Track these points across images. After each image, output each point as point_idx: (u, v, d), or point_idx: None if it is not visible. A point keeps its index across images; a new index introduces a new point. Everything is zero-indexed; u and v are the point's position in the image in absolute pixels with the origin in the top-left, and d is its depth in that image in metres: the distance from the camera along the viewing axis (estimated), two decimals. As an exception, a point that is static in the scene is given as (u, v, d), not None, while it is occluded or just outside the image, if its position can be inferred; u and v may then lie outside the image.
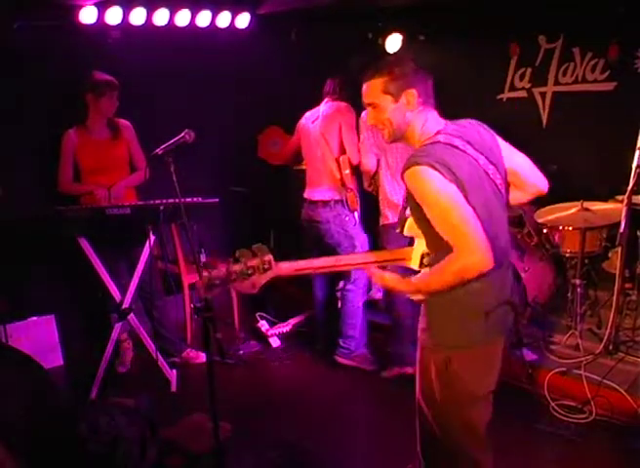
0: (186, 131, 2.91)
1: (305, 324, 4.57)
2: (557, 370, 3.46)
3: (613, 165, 3.67)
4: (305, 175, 4.03)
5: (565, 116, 4.56)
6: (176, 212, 3.21)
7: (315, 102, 3.96)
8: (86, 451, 2.99)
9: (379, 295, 4.58)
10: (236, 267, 1.81)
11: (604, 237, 3.72)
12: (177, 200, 2.94)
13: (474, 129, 1.96)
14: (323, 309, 4.20)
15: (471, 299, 1.88)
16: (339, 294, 4.12)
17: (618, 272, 3.44)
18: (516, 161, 2.05)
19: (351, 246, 3.85)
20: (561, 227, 3.76)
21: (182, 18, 4.15)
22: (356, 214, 3.83)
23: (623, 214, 3.21)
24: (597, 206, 3.71)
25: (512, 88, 4.85)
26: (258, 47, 4.64)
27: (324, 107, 3.87)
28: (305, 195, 3.99)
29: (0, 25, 3.54)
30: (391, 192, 3.54)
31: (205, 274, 1.79)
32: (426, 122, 1.93)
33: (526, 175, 2.08)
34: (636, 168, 3.20)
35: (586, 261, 3.82)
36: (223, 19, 4.41)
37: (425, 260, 2.02)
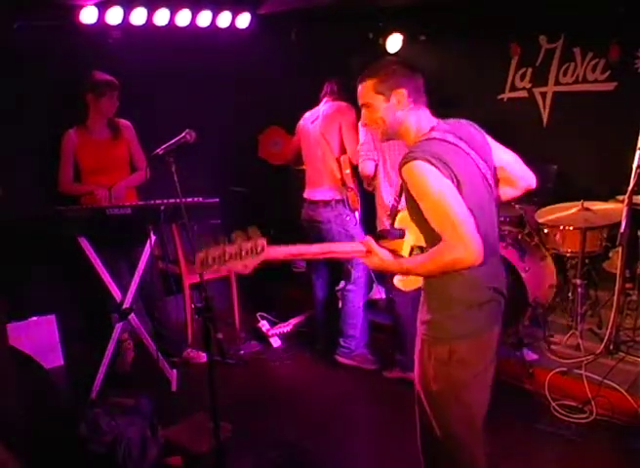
0: (187, 131, 2.90)
1: (306, 324, 4.57)
2: (558, 369, 3.45)
3: (613, 165, 3.67)
4: (305, 175, 4.02)
5: (565, 116, 4.56)
6: (176, 212, 3.21)
7: (315, 102, 3.96)
8: (86, 451, 3.00)
9: (379, 296, 4.57)
10: (231, 249, 1.86)
11: (604, 237, 3.72)
12: (177, 200, 2.94)
13: (465, 127, 2.02)
14: (323, 309, 4.19)
15: (468, 292, 1.94)
16: (339, 295, 4.12)
17: (618, 272, 3.44)
18: (504, 158, 2.11)
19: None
20: (561, 227, 3.76)
21: (183, 18, 4.15)
22: (357, 213, 3.83)
23: (624, 213, 3.21)
24: (598, 206, 3.71)
25: (513, 88, 4.86)
26: (258, 47, 4.64)
27: (324, 107, 3.87)
28: (305, 195, 3.97)
29: (0, 25, 3.54)
30: (388, 199, 3.50)
31: (201, 254, 1.84)
32: (420, 119, 1.99)
33: (514, 170, 2.14)
34: (636, 168, 3.20)
35: (587, 261, 3.82)
36: (224, 20, 4.41)
37: (415, 253, 2.09)
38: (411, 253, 2.11)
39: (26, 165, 3.96)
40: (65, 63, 3.85)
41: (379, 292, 4.56)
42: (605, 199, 3.80)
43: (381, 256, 1.96)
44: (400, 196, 2.02)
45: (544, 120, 4.73)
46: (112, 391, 3.45)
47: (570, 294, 3.87)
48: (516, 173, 2.14)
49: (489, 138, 2.08)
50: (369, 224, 3.91)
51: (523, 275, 3.70)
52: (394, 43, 5.06)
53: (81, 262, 3.56)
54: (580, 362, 3.45)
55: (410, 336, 2.19)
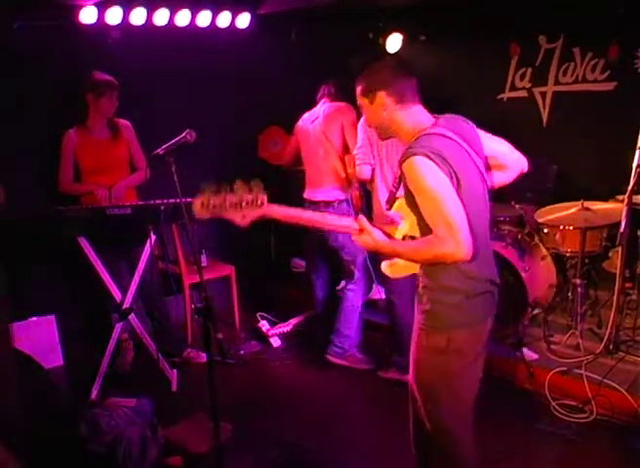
0: (188, 131, 2.90)
1: (306, 324, 4.57)
2: (558, 369, 3.45)
3: (613, 164, 3.67)
4: (305, 175, 4.01)
5: (565, 116, 4.57)
6: (176, 212, 3.21)
7: (315, 103, 3.96)
8: (86, 451, 3.00)
9: (379, 296, 4.57)
10: (232, 198, 1.92)
11: (604, 237, 3.72)
12: (177, 200, 2.94)
13: (458, 122, 2.08)
14: (323, 309, 4.19)
15: (468, 283, 1.99)
16: (340, 294, 4.11)
17: (618, 272, 3.44)
18: (495, 146, 2.17)
19: (355, 246, 3.83)
20: (561, 227, 3.76)
21: (183, 18, 4.15)
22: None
23: (624, 213, 3.21)
24: (597, 205, 3.71)
25: (513, 88, 4.86)
26: (258, 47, 4.64)
27: (324, 107, 3.86)
28: (306, 196, 3.96)
29: (0, 25, 3.54)
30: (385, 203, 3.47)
31: (202, 199, 1.91)
32: (412, 117, 2.04)
33: (506, 157, 2.19)
34: (636, 167, 3.20)
35: (587, 261, 3.82)
36: (224, 20, 4.41)
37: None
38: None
39: (26, 165, 3.96)
40: (65, 63, 3.85)
41: (378, 293, 4.55)
42: (605, 199, 3.80)
43: (374, 236, 2.01)
44: (399, 183, 2.06)
45: (544, 120, 4.73)
46: (112, 391, 3.45)
47: (570, 294, 3.87)
48: (508, 159, 2.19)
49: (479, 131, 2.13)
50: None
51: (523, 275, 3.69)
52: (394, 43, 5.07)
53: (81, 262, 3.56)
54: (579, 361, 3.45)
55: (408, 338, 2.20)
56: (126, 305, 3.61)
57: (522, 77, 4.79)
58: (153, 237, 3.57)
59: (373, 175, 3.53)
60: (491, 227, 3.98)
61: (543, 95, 4.70)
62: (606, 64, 4.31)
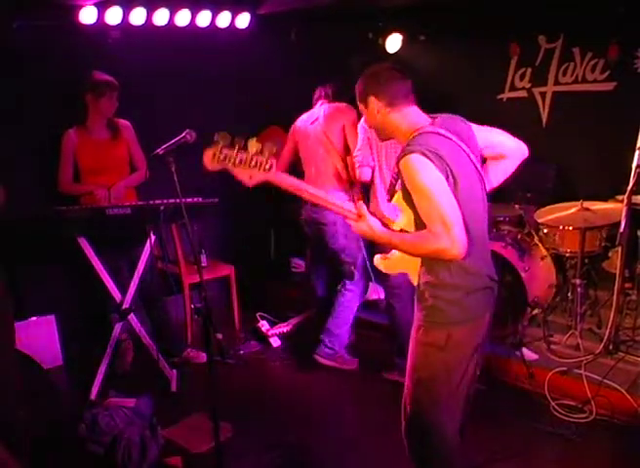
0: (187, 131, 2.90)
1: (305, 324, 4.57)
2: (557, 369, 3.46)
3: (613, 165, 3.68)
4: (304, 176, 3.96)
5: (565, 116, 4.57)
6: (176, 212, 3.20)
7: (311, 105, 3.94)
8: (85, 452, 3.01)
9: (376, 296, 4.57)
10: (243, 155, 1.96)
11: (604, 237, 3.72)
12: (177, 200, 2.94)
13: (455, 121, 2.10)
14: (323, 309, 4.18)
15: (469, 279, 2.02)
16: (337, 289, 4.04)
17: (618, 272, 3.44)
18: (493, 136, 2.19)
19: (358, 247, 3.83)
20: (561, 227, 3.76)
21: (182, 18, 4.15)
22: None
23: (623, 213, 3.21)
24: (597, 205, 3.71)
25: (512, 88, 4.86)
26: (258, 47, 4.64)
27: (323, 108, 3.83)
28: None
29: (0, 25, 3.54)
30: (385, 206, 3.47)
31: (214, 149, 1.95)
32: (408, 118, 2.08)
33: (504, 144, 2.21)
34: (636, 167, 3.20)
35: (586, 261, 3.83)
36: (223, 20, 4.41)
37: None
38: None
39: (26, 165, 3.95)
40: (65, 63, 3.85)
41: (376, 293, 4.55)
42: (604, 199, 3.80)
43: (371, 224, 2.04)
44: (398, 176, 2.08)
45: (544, 120, 4.73)
46: (112, 391, 3.45)
47: (569, 294, 3.87)
48: (506, 148, 2.21)
49: (474, 127, 2.15)
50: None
51: (522, 275, 3.70)
52: (394, 43, 5.07)
53: (81, 262, 3.56)
54: (579, 361, 3.45)
55: (408, 339, 2.21)
56: (126, 305, 3.61)
57: (522, 77, 4.79)
58: (153, 237, 3.57)
59: (372, 177, 3.53)
60: (490, 227, 3.99)
61: (543, 95, 4.71)
62: (606, 64, 4.31)
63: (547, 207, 3.89)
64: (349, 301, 3.91)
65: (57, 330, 4.07)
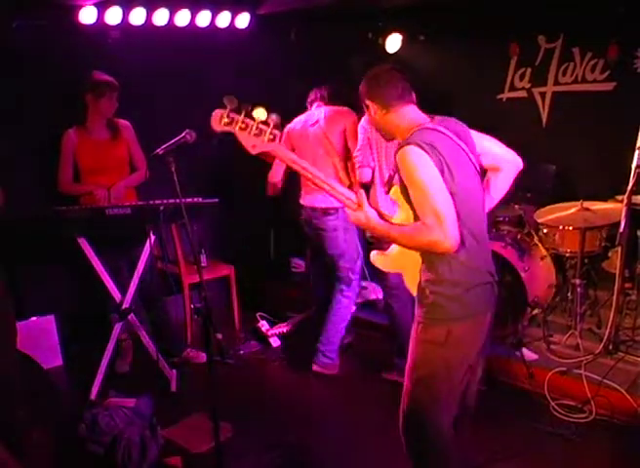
0: (187, 131, 2.90)
1: (305, 324, 4.57)
2: (557, 369, 3.46)
3: (612, 165, 3.68)
4: (300, 180, 3.85)
5: (565, 116, 4.57)
6: (176, 212, 3.20)
7: (305, 107, 3.92)
8: (85, 452, 3.01)
9: (375, 296, 4.57)
10: (248, 122, 1.99)
11: (604, 237, 3.72)
12: (177, 200, 2.94)
13: (452, 122, 2.13)
14: (323, 309, 4.18)
15: (469, 275, 2.04)
16: (333, 295, 3.92)
17: (617, 272, 3.44)
18: (487, 145, 2.21)
19: (356, 252, 3.81)
20: (561, 227, 3.76)
21: (182, 18, 4.15)
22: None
23: (623, 213, 3.21)
24: (597, 205, 3.71)
25: (512, 88, 4.86)
26: (257, 47, 4.64)
27: (322, 110, 3.78)
28: (304, 202, 3.84)
29: (0, 25, 3.54)
30: (385, 207, 3.44)
31: (221, 111, 1.97)
32: (407, 116, 2.12)
33: (498, 153, 2.24)
34: (636, 168, 3.20)
35: (586, 261, 3.82)
36: (223, 20, 4.41)
37: None
38: None
39: (26, 165, 3.96)
40: (65, 63, 3.85)
41: (375, 293, 4.55)
42: (604, 199, 3.80)
43: (368, 214, 2.07)
44: (396, 170, 2.11)
45: (544, 120, 4.73)
46: (112, 391, 3.45)
47: (569, 294, 3.87)
48: (501, 160, 2.24)
49: (472, 132, 2.18)
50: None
51: (522, 275, 3.70)
52: (394, 43, 5.07)
53: (81, 262, 3.56)
54: (579, 361, 3.45)
55: (407, 339, 2.21)
56: (125, 305, 3.61)
57: (521, 77, 4.79)
58: (153, 237, 3.57)
59: (372, 177, 3.52)
60: (490, 227, 4.00)
61: (543, 95, 4.70)
62: (605, 64, 4.31)
63: (547, 207, 3.89)
64: (346, 308, 3.87)
65: (57, 330, 4.07)
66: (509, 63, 4.82)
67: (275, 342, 4.39)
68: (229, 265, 4.65)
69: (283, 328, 4.50)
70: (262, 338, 4.42)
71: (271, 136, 1.99)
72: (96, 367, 3.58)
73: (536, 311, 3.85)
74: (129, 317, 3.63)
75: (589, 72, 4.41)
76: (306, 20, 4.81)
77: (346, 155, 3.73)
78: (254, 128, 1.98)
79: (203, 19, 4.28)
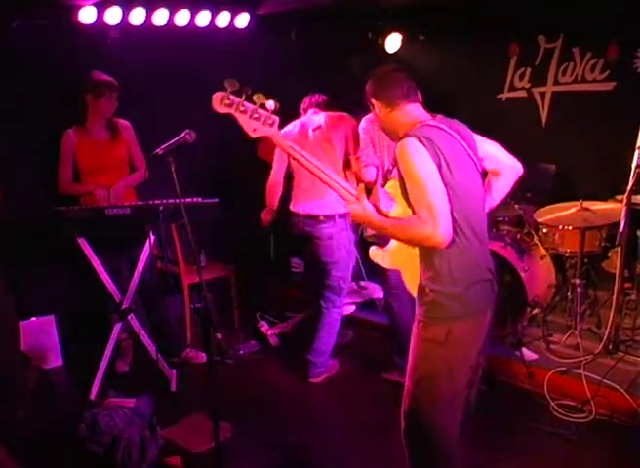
0: (187, 131, 2.90)
1: (305, 323, 4.57)
2: (557, 369, 3.46)
3: (612, 164, 3.68)
4: (296, 187, 3.77)
5: (565, 116, 4.57)
6: (175, 212, 3.20)
7: (299, 113, 3.87)
8: (86, 451, 3.01)
9: (376, 295, 4.57)
10: (248, 106, 2.04)
11: (603, 237, 3.72)
12: (176, 200, 2.94)
13: (454, 123, 2.15)
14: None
15: (468, 272, 2.06)
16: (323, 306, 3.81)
17: (617, 272, 3.44)
18: (489, 148, 2.24)
19: (350, 259, 3.78)
20: (561, 227, 3.76)
21: (182, 18, 4.16)
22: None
23: (623, 213, 3.22)
24: (597, 205, 3.71)
25: (512, 87, 4.86)
26: (257, 47, 4.64)
27: (322, 116, 3.72)
28: (299, 209, 3.72)
29: (0, 25, 3.54)
30: (383, 204, 3.43)
31: (222, 93, 2.02)
32: (411, 114, 2.14)
33: (500, 158, 2.26)
34: (636, 167, 3.20)
35: (586, 261, 3.83)
36: (223, 19, 4.42)
37: None
38: None
39: (26, 165, 3.96)
40: (65, 63, 3.85)
41: (375, 292, 4.55)
42: (604, 199, 3.80)
43: (365, 207, 2.12)
44: (395, 163, 2.13)
45: (543, 120, 4.73)
46: (112, 391, 3.45)
47: (569, 294, 3.87)
48: (502, 165, 2.26)
49: (475, 136, 2.20)
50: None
51: (522, 275, 3.70)
52: (393, 43, 5.07)
53: (81, 263, 3.56)
54: (579, 361, 3.45)
55: (408, 339, 2.21)
56: (125, 305, 3.61)
57: (521, 77, 4.79)
58: (152, 237, 3.57)
59: (376, 176, 3.52)
60: (490, 227, 3.99)
61: (543, 94, 4.70)
62: (605, 64, 4.31)
63: (547, 207, 3.89)
64: (335, 319, 3.81)
65: (57, 330, 4.07)
66: (509, 63, 4.82)
67: (275, 342, 4.39)
68: (229, 265, 4.65)
69: (283, 327, 4.50)
70: (262, 338, 4.42)
71: (270, 122, 2.03)
72: (95, 367, 3.58)
73: (535, 311, 3.85)
74: (129, 317, 3.62)
75: (589, 72, 4.41)
76: (306, 20, 4.81)
77: (346, 162, 3.71)
78: (254, 112, 2.03)
79: (203, 18, 4.28)
